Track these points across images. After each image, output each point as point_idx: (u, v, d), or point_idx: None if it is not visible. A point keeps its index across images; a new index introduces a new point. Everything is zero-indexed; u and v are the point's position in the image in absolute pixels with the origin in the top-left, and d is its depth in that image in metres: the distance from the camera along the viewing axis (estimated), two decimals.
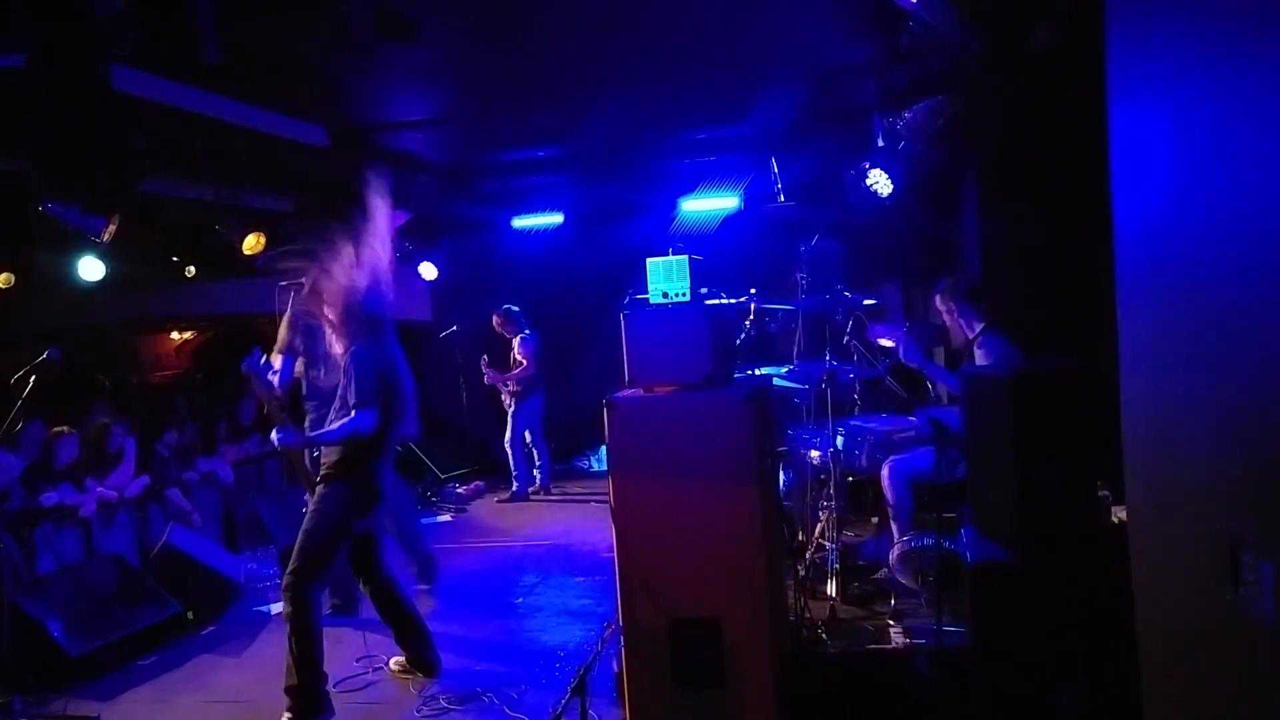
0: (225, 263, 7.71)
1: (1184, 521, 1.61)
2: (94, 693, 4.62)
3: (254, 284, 8.25)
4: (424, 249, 9.34)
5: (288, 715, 3.95)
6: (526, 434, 8.68)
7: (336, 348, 4.23)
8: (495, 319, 8.66)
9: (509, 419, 8.58)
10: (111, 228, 5.90)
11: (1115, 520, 3.76)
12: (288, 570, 4.09)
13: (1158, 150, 1.75)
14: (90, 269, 7.05)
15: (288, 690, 3.97)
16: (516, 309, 8.69)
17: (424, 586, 6.41)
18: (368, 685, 4.44)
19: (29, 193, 5.57)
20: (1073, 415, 3.21)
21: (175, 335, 13.90)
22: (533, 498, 8.64)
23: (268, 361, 3.97)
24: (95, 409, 8.10)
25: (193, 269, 8.76)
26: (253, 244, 7.20)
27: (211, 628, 5.53)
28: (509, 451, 8.60)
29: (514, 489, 8.64)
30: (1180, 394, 1.63)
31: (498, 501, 8.62)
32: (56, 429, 6.65)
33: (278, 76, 5.19)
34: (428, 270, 9.45)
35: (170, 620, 5.33)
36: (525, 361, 8.45)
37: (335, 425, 4.10)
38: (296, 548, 4.09)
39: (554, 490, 8.89)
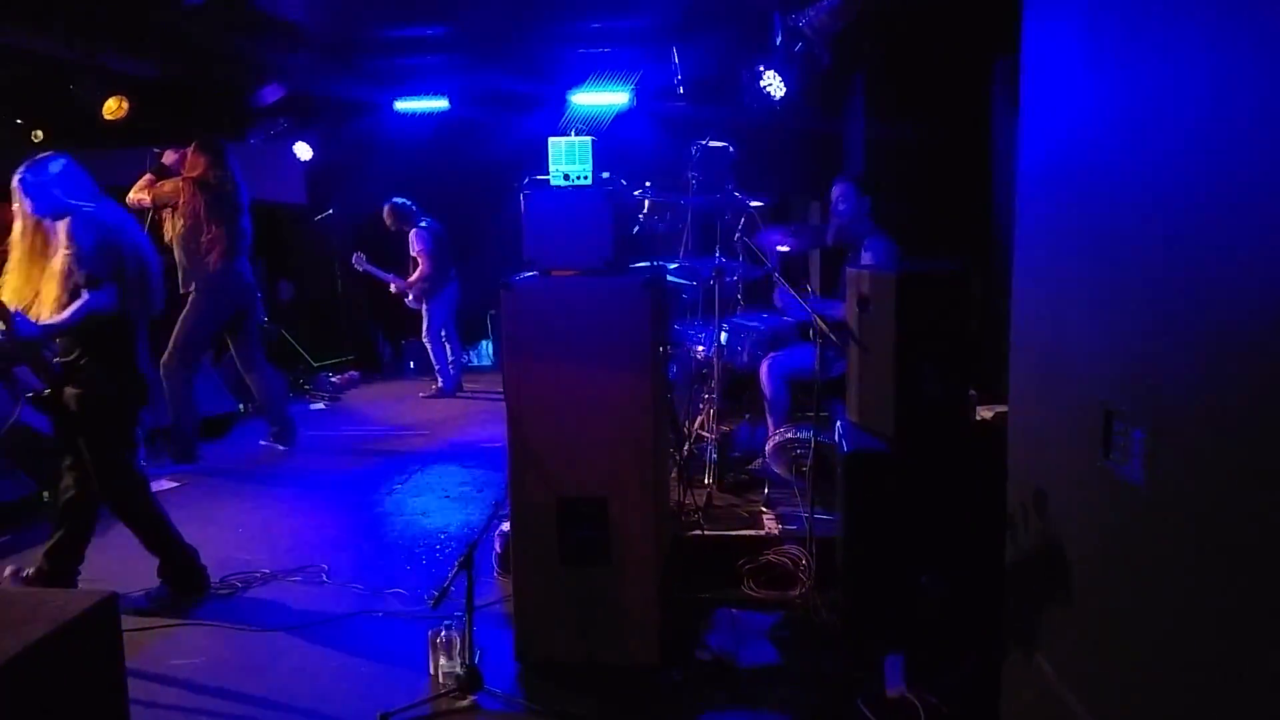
0: (84, 128, 7.10)
1: (1064, 395, 1.74)
2: None
3: (117, 155, 7.62)
4: (299, 128, 8.83)
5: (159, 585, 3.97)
6: (442, 331, 8.34)
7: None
8: (385, 214, 8.27)
9: (424, 315, 8.28)
10: None
11: (980, 418, 4.01)
12: (99, 486, 3.86)
13: (1067, 58, 1.82)
14: None
15: (160, 574, 3.99)
16: (405, 201, 8.26)
17: (282, 448, 6.35)
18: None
19: None
20: (953, 315, 3.37)
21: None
22: (420, 395, 8.47)
23: None
24: None
25: (40, 133, 8.03)
26: (114, 108, 6.67)
27: None
28: (428, 348, 8.35)
29: (439, 385, 8.35)
30: (1070, 280, 1.74)
31: (422, 397, 8.30)
32: None
33: None
34: (302, 150, 8.94)
35: (24, 500, 5.11)
36: (421, 260, 8.12)
37: (70, 309, 3.63)
38: (93, 468, 3.81)
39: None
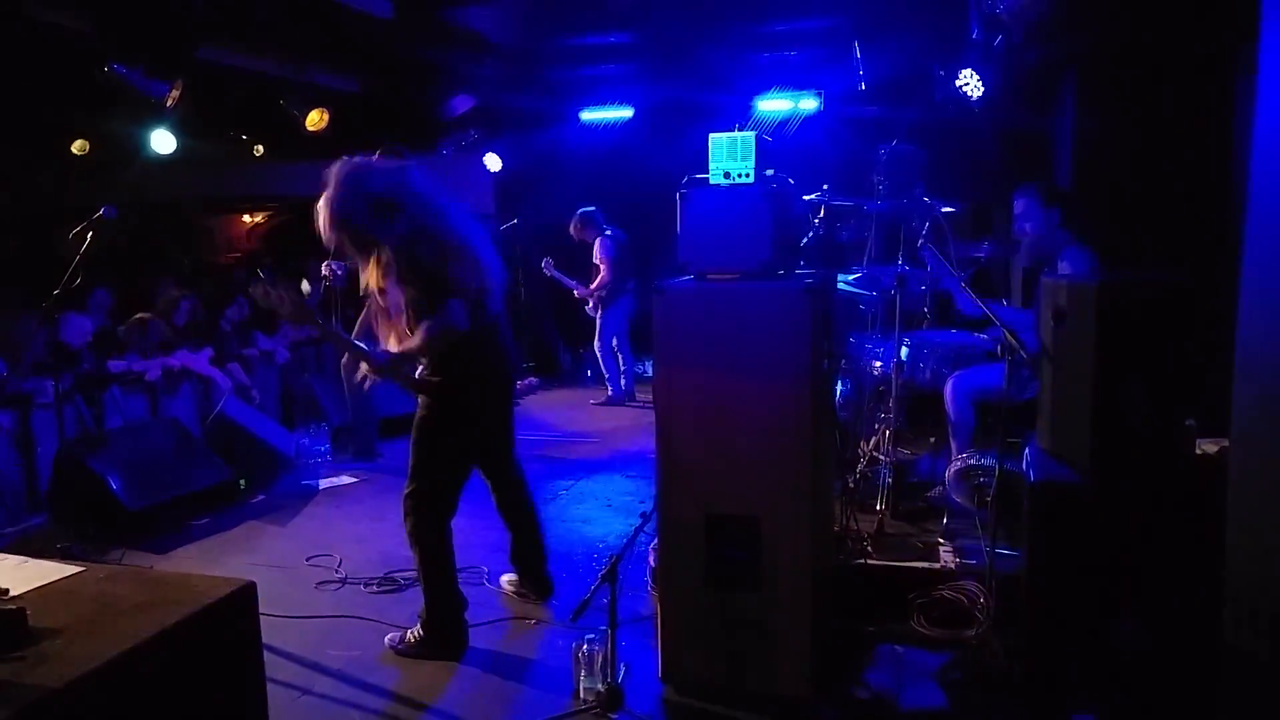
0: (290, 141, 7.66)
1: None
2: (149, 546, 4.79)
3: (321, 166, 8.22)
4: (488, 139, 9.13)
5: (413, 638, 3.56)
6: (614, 340, 8.41)
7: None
8: (573, 224, 8.34)
9: (597, 324, 8.38)
10: (175, 93, 5.89)
11: (1201, 452, 3.50)
12: (405, 487, 3.64)
13: None
14: (162, 142, 7.12)
15: (421, 618, 3.59)
16: (592, 210, 8.33)
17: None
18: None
19: (95, 54, 5.54)
20: (1165, 332, 2.93)
21: (246, 218, 14.04)
22: (592, 403, 8.51)
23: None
24: (164, 282, 8.25)
25: (260, 148, 8.77)
26: (316, 120, 7.15)
27: (261, 496, 5.68)
28: (599, 357, 8.46)
29: (610, 393, 8.46)
30: None
31: (593, 404, 8.42)
32: (139, 315, 6.73)
33: None
34: (492, 162, 9.25)
35: (222, 485, 5.48)
36: (603, 267, 8.18)
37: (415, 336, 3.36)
38: (410, 464, 3.61)
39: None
